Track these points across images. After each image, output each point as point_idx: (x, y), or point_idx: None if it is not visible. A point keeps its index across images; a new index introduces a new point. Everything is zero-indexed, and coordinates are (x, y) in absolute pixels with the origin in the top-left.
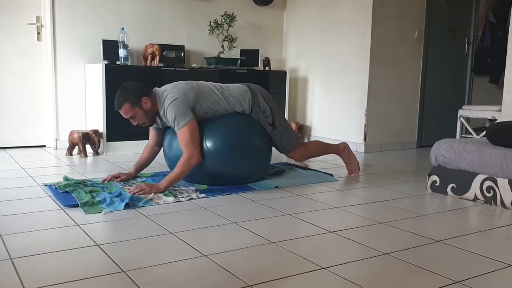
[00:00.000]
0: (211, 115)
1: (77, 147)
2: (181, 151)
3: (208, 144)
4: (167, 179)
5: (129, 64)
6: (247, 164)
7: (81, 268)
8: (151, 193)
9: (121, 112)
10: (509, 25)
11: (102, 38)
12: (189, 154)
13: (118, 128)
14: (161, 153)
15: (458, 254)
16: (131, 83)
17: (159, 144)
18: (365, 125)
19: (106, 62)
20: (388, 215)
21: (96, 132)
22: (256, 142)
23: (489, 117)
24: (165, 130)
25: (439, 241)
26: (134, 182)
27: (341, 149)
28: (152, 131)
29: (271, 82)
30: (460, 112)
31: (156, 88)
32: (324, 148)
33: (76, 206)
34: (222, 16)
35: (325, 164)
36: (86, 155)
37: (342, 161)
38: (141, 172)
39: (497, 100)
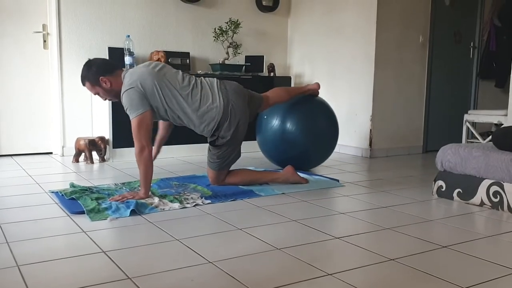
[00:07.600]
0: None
1: (83, 154)
2: None
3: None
4: (141, 184)
5: None
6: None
7: (87, 274)
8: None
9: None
10: None
11: (108, 46)
12: (139, 147)
13: (125, 135)
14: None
15: (465, 260)
16: (95, 60)
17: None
18: (370, 130)
19: None
20: (394, 221)
21: (102, 139)
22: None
23: (495, 122)
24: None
25: (445, 246)
26: (127, 189)
27: (283, 179)
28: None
29: None
30: (466, 116)
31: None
32: (255, 179)
33: (82, 213)
34: (227, 22)
35: (331, 169)
36: (92, 162)
37: (345, 168)
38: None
39: (503, 104)
